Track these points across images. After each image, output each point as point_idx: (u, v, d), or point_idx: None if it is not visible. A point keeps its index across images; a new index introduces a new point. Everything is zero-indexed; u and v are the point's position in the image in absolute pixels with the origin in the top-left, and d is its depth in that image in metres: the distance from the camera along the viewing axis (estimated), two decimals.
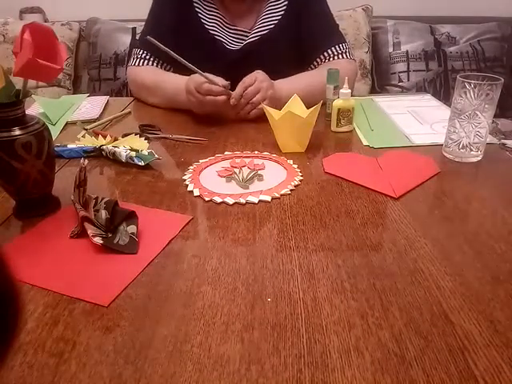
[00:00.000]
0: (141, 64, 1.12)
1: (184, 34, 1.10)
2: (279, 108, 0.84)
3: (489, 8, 2.11)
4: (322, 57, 1.11)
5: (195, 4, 1.10)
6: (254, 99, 0.91)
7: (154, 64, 1.12)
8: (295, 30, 1.10)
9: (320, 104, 0.79)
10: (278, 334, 0.41)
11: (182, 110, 1.02)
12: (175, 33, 1.09)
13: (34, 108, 1.09)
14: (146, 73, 1.10)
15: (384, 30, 2.04)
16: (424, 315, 0.43)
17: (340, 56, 1.10)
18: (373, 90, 2.05)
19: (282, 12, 1.10)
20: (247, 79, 0.92)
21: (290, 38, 1.11)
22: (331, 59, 1.10)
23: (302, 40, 1.11)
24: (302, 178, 0.71)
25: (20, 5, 2.14)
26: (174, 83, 1.01)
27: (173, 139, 0.88)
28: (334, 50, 1.10)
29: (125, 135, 0.85)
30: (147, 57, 1.12)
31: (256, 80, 0.92)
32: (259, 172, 0.72)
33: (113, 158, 0.78)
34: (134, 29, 1.99)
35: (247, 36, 1.10)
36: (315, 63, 1.12)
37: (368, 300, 0.45)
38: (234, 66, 1.05)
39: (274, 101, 0.91)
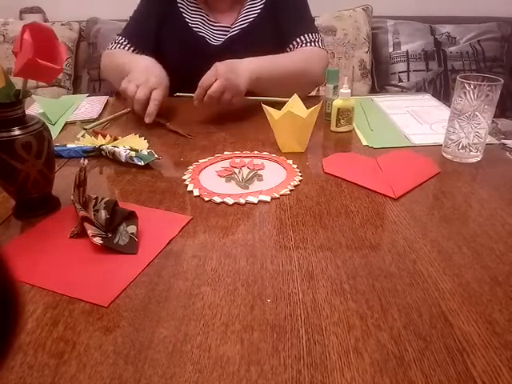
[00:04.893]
0: (117, 48, 1.14)
1: (169, 33, 1.13)
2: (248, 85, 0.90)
3: (489, 8, 2.11)
4: (294, 43, 1.13)
5: (179, 4, 1.14)
6: (222, 99, 0.90)
7: (130, 50, 1.13)
8: (274, 22, 1.14)
9: (320, 104, 0.79)
10: (277, 334, 0.41)
11: (183, 108, 1.03)
12: (159, 32, 1.13)
13: (34, 108, 1.09)
14: (118, 54, 1.12)
15: (384, 30, 2.04)
16: (423, 316, 0.43)
17: (312, 44, 1.12)
18: (373, 90, 2.05)
19: (262, 5, 1.14)
20: (205, 79, 0.90)
21: (270, 29, 1.14)
22: (303, 45, 1.12)
23: (279, 30, 1.14)
24: (301, 178, 0.71)
25: (20, 5, 2.14)
26: (128, 69, 0.98)
27: (170, 129, 0.91)
28: (307, 37, 1.12)
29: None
30: (125, 42, 1.14)
31: (217, 77, 0.89)
32: (259, 172, 0.72)
33: (112, 158, 0.78)
34: None
35: (229, 31, 1.14)
36: (288, 50, 1.14)
37: (367, 301, 0.45)
38: (217, 60, 1.05)
39: (241, 91, 0.92)
